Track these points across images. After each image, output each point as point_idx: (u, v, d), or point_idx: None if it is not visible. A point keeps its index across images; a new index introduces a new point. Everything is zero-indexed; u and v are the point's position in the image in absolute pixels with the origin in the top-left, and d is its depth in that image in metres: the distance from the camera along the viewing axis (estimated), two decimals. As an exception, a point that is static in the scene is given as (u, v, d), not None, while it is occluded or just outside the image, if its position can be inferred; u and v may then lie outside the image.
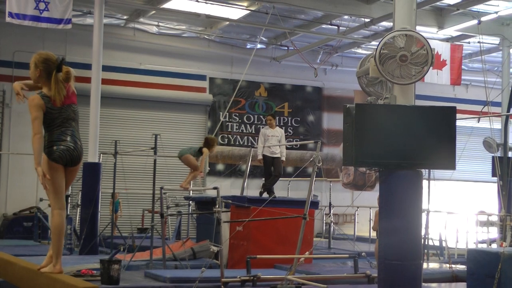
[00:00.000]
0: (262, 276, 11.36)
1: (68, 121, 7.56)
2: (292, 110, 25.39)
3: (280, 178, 16.67)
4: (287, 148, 17.06)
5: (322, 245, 18.56)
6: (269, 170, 16.00)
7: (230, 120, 24.48)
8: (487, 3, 19.36)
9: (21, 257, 10.86)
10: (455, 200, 24.90)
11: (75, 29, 19.25)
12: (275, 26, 21.28)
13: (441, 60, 20.57)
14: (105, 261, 11.17)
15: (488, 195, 25.36)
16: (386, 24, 21.31)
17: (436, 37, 22.02)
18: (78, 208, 18.52)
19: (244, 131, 24.74)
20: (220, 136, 24.06)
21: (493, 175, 19.57)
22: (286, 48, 24.40)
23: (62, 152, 7.41)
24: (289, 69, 25.29)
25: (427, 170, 14.12)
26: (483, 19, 20.00)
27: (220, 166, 24.28)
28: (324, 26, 21.99)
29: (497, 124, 21.28)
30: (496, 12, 20.25)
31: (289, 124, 25.21)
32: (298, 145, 24.20)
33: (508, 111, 19.27)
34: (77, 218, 18.74)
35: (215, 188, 12.75)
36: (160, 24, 22.55)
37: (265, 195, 15.99)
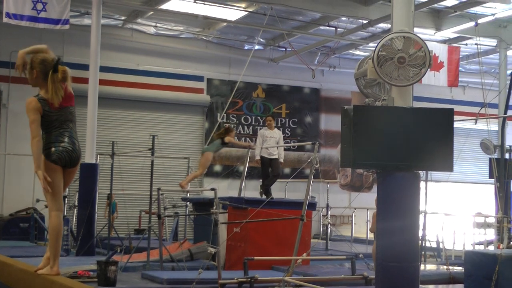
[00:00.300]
0: (259, 278, 11.33)
1: (66, 122, 7.54)
2: (289, 111, 25.40)
3: (277, 179, 16.63)
4: (284, 149, 17.00)
5: (320, 246, 18.57)
6: (267, 171, 15.94)
7: (228, 121, 24.47)
8: (484, 5, 19.38)
9: (17, 259, 10.86)
10: (452, 201, 24.91)
11: (73, 29, 19.24)
12: (273, 27, 21.28)
13: (439, 61, 20.58)
14: (102, 262, 11.15)
15: (485, 197, 25.39)
16: (383, 25, 21.34)
17: (434, 38, 22.03)
18: (75, 209, 18.50)
19: (242, 132, 24.73)
20: (218, 137, 24.04)
21: (490, 176, 19.57)
22: (284, 49, 24.41)
23: (61, 154, 7.40)
24: (286, 70, 25.30)
25: (424, 171, 14.10)
26: (480, 21, 20.05)
27: (217, 167, 24.28)
28: (321, 27, 22.02)
29: (494, 126, 21.27)
30: (493, 14, 20.30)
31: (287, 125, 25.22)
32: (296, 147, 24.17)
33: (506, 113, 19.28)
34: (74, 219, 18.72)
35: (212, 189, 12.74)
36: (158, 25, 22.58)
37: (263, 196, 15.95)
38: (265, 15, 20.01)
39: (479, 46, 19.93)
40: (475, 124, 16.99)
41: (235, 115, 24.66)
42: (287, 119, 25.38)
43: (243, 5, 20.25)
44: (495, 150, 19.49)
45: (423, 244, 15.30)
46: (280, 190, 20.54)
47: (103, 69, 18.85)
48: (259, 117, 24.92)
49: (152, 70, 23.45)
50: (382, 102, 8.74)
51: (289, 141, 24.25)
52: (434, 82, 21.07)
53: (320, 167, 13.47)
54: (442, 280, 13.45)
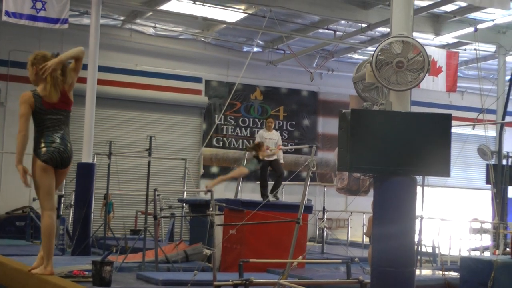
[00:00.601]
0: (254, 280, 11.25)
1: (59, 124, 7.55)
2: (287, 114, 25.39)
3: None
4: (282, 152, 16.97)
5: (315, 249, 18.52)
6: (265, 173, 15.86)
7: (225, 123, 24.46)
8: (483, 11, 19.35)
9: (12, 257, 10.84)
10: (448, 207, 24.91)
11: (72, 29, 19.19)
12: (272, 29, 21.28)
13: (437, 66, 20.57)
14: (97, 262, 11.14)
15: (481, 203, 25.38)
16: (382, 29, 21.33)
17: (433, 43, 22.03)
18: (71, 209, 18.47)
19: (239, 134, 24.71)
20: (215, 138, 24.06)
21: (487, 182, 19.59)
22: (283, 52, 24.39)
23: (52, 154, 7.40)
24: (285, 73, 25.28)
25: (421, 176, 14.08)
26: (479, 26, 20.05)
27: (214, 169, 24.25)
28: (320, 30, 22.01)
29: (492, 132, 21.28)
30: (493, 20, 20.27)
31: (284, 128, 25.19)
32: (293, 149, 24.15)
33: (504, 118, 19.29)
34: (70, 219, 18.69)
35: (209, 191, 12.71)
36: (157, 25, 22.54)
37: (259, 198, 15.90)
38: (264, 18, 20.00)
39: (478, 51, 19.96)
40: (473, 129, 16.97)
41: (232, 117, 24.64)
42: (284, 122, 25.36)
43: (242, 7, 20.25)
44: (492, 156, 19.50)
45: (419, 249, 15.29)
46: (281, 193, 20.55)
47: (101, 69, 18.82)
48: (256, 119, 24.90)
49: (151, 70, 23.41)
50: (380, 106, 8.74)
51: (286, 143, 24.20)
52: (433, 87, 21.06)
53: (317, 170, 13.41)
54: (438, 286, 13.43)
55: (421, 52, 8.46)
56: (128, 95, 22.87)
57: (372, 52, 8.66)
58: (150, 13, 20.95)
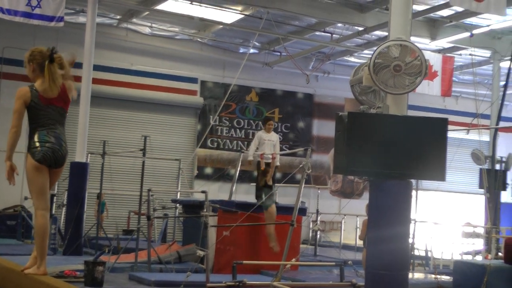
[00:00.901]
0: (248, 282, 11.27)
1: (54, 123, 7.51)
2: (282, 116, 25.38)
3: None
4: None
5: (308, 252, 18.53)
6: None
7: (220, 124, 24.44)
8: (479, 16, 19.35)
9: (4, 256, 10.82)
10: (441, 211, 24.93)
11: (67, 27, 19.16)
12: (269, 31, 21.26)
13: (433, 71, 20.58)
14: (89, 262, 11.11)
15: (474, 207, 25.41)
16: (379, 33, 21.33)
17: (428, 48, 22.02)
18: (64, 208, 18.40)
19: (234, 135, 24.69)
20: (210, 139, 24.03)
21: (480, 187, 19.63)
22: (279, 53, 24.37)
23: (47, 153, 7.37)
24: (281, 75, 25.27)
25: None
26: (475, 31, 20.06)
27: (208, 170, 24.22)
28: (317, 33, 21.98)
29: (486, 137, 21.29)
30: (488, 25, 20.29)
31: (279, 130, 25.15)
32: (285, 153, 24.12)
33: (498, 124, 19.31)
34: (62, 218, 18.62)
35: (203, 191, 12.69)
36: (153, 25, 22.49)
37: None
38: (261, 19, 19.98)
39: (473, 57, 19.98)
40: (467, 134, 16.99)
41: (227, 118, 24.62)
42: (279, 124, 25.33)
43: (239, 8, 20.22)
44: (486, 161, 19.54)
45: (412, 253, 15.29)
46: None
47: (96, 68, 18.78)
48: (251, 121, 24.89)
49: (146, 70, 23.38)
50: (377, 109, 8.73)
51: (281, 145, 24.14)
52: (428, 91, 21.07)
53: (311, 172, 13.40)
54: (430, 289, 13.46)
55: (419, 56, 8.46)
56: (123, 94, 22.83)
57: (369, 56, 8.66)
58: (147, 12, 20.91)
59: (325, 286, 12.32)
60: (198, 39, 23.74)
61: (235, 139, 24.70)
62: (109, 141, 17.44)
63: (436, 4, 18.78)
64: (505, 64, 22.41)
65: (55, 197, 17.53)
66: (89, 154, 17.65)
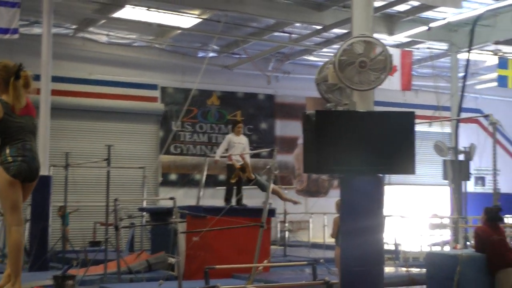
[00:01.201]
0: (221, 286, 11.20)
1: (28, 134, 7.38)
2: (244, 118, 25.27)
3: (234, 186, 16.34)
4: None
5: (277, 252, 18.49)
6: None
7: (183, 129, 24.32)
8: (436, 9, 19.50)
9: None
10: (407, 204, 25.07)
11: (22, 39, 18.80)
12: (227, 34, 21.25)
13: (392, 66, 20.67)
14: (58, 277, 10.98)
15: (439, 198, 25.59)
16: (337, 31, 21.40)
17: (387, 43, 22.01)
18: (28, 223, 18.12)
19: (197, 140, 24.60)
20: (173, 145, 23.89)
21: (444, 178, 19.76)
22: (238, 56, 24.34)
23: (20, 168, 7.23)
24: (241, 77, 25.23)
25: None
26: (432, 25, 20.19)
27: (173, 176, 24.09)
28: (276, 33, 21.99)
29: (447, 128, 21.45)
30: (445, 19, 20.44)
31: (242, 132, 25.03)
32: (252, 153, 24.06)
33: (459, 115, 19.46)
34: (27, 233, 18.32)
35: (171, 198, 12.58)
36: (110, 33, 22.29)
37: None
38: (219, 22, 19.93)
39: (431, 50, 20.12)
40: (430, 126, 17.09)
41: (190, 123, 24.52)
42: (242, 127, 25.22)
43: (197, 12, 20.13)
44: (448, 152, 19.69)
45: (382, 247, 15.33)
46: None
47: (54, 79, 18.46)
48: (214, 125, 24.84)
49: (105, 79, 23.18)
50: (344, 106, 8.73)
51: (244, 147, 24.14)
52: (388, 86, 21.09)
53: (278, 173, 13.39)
54: (402, 282, 13.54)
55: (383, 51, 8.47)
56: (83, 104, 22.61)
57: (328, 54, 8.69)
58: (103, 20, 20.73)
59: (298, 286, 12.27)
60: (156, 45, 23.62)
61: (198, 143, 24.61)
62: (72, 152, 17.27)
63: (393, -1, 18.90)
64: (462, 56, 22.64)
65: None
66: (52, 167, 17.40)
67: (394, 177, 16.25)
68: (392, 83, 21.15)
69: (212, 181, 22.28)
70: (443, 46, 23.22)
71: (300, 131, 25.69)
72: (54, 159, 18.12)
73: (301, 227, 24.50)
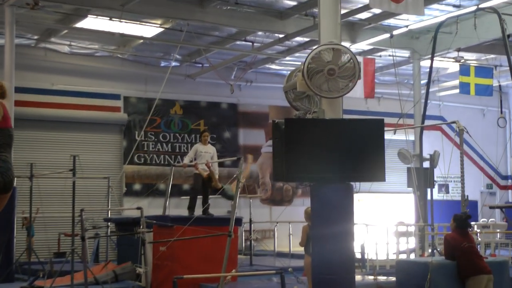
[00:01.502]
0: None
1: (3, 146, 7.26)
2: (208, 127, 25.17)
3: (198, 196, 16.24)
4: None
5: (243, 262, 18.46)
6: (197, 188, 15.48)
7: (146, 139, 24.18)
8: (397, 17, 19.63)
9: None
10: (372, 212, 25.18)
11: (-18, 50, 18.69)
12: (190, 43, 21.18)
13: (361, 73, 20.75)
14: (26, 288, 10.87)
15: (404, 206, 25.75)
16: (300, 39, 21.47)
17: (349, 51, 22.20)
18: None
19: (161, 149, 24.48)
20: (136, 155, 23.75)
21: (409, 185, 19.83)
22: (201, 65, 24.31)
23: None
24: (203, 86, 25.19)
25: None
26: (394, 32, 20.30)
27: (137, 186, 23.95)
28: (238, 42, 21.99)
29: (410, 136, 21.58)
30: (407, 26, 20.58)
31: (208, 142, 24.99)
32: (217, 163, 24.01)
33: (423, 122, 19.57)
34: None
35: (139, 208, 12.54)
36: (72, 43, 22.13)
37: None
38: (181, 31, 19.86)
39: (394, 57, 20.23)
40: (394, 134, 17.16)
41: (153, 133, 24.40)
42: (209, 136, 25.14)
43: (159, 22, 20.08)
44: (412, 160, 19.76)
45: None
46: (200, 207, 20.38)
47: (16, 89, 18.38)
48: (177, 134, 24.75)
49: (67, 89, 22.99)
50: (313, 114, 8.74)
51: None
52: (351, 93, 20.90)
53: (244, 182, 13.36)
54: (371, 290, 13.55)
55: (351, 58, 8.50)
56: (46, 115, 22.39)
57: (291, 62, 8.71)
58: (65, 31, 20.59)
59: (267, 295, 12.27)
60: (119, 55, 23.52)
61: (162, 153, 24.51)
62: (36, 163, 17.07)
63: (355, 7, 18.97)
64: (424, 63, 22.82)
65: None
66: (16, 178, 17.19)
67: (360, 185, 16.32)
68: (355, 91, 20.95)
69: (176, 191, 22.20)
70: (405, 53, 23.40)
71: (263, 139, 26.09)
72: (18, 170, 17.88)
73: (266, 236, 24.50)
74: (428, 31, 21.01)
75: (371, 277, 14.38)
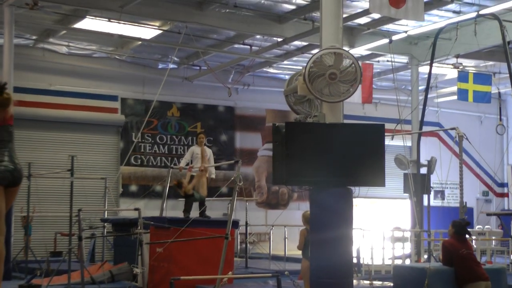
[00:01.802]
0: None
1: (4, 142, 7.34)
2: (204, 130, 25.18)
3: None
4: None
5: (238, 264, 18.46)
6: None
7: (143, 140, 24.19)
8: (396, 22, 19.67)
9: None
10: (368, 216, 25.20)
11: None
12: (188, 45, 21.18)
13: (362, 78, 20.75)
14: (24, 286, 10.89)
15: (400, 211, 25.78)
16: (298, 43, 21.50)
17: (347, 56, 22.21)
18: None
19: (157, 151, 24.50)
20: (133, 157, 23.74)
21: (405, 191, 19.84)
22: (198, 68, 24.32)
23: (3, 173, 7.19)
24: (201, 89, 25.20)
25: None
26: (393, 38, 20.33)
27: (133, 187, 23.95)
28: (236, 45, 22.00)
29: (408, 142, 21.60)
30: (406, 32, 20.61)
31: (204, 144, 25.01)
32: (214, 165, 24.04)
33: (421, 128, 19.58)
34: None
35: (136, 209, 12.54)
36: (70, 44, 22.14)
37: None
38: (179, 34, 19.87)
39: (393, 63, 20.24)
40: (392, 140, 17.15)
41: (150, 135, 24.41)
42: (205, 139, 25.16)
43: (157, 23, 20.10)
44: (409, 165, 19.77)
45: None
46: (196, 209, 20.39)
47: (14, 89, 18.33)
48: (174, 136, 24.76)
49: (65, 90, 23.00)
50: (313, 118, 8.75)
51: (205, 159, 24.07)
52: (349, 98, 21.17)
53: (242, 185, 13.35)
54: (366, 295, 13.57)
55: (353, 63, 8.52)
56: (44, 115, 22.39)
57: (289, 66, 8.73)
58: (64, 31, 20.59)
59: (263, 298, 12.28)
60: (117, 57, 23.53)
61: (158, 155, 24.51)
62: (33, 163, 17.08)
63: (354, 12, 19.00)
64: (422, 69, 22.85)
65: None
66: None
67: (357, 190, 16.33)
68: (353, 96, 20.97)
69: (173, 193, 22.12)
70: (403, 59, 23.42)
71: (259, 143, 26.10)
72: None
73: (261, 239, 24.51)
74: (427, 37, 21.03)
75: (367, 282, 14.37)
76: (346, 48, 21.00)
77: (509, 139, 27.84)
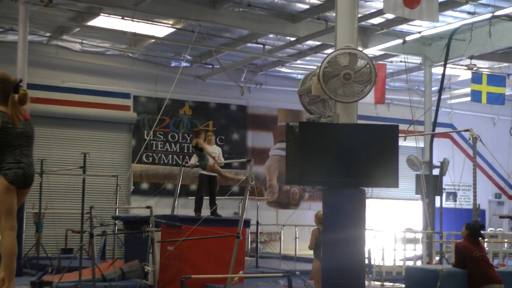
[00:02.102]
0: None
1: (28, 139, 7.42)
2: (216, 129, 25.21)
3: (205, 197, 16.17)
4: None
5: (249, 263, 18.44)
6: (202, 189, 15.43)
7: (155, 138, 24.21)
8: (410, 23, 19.62)
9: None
10: (379, 217, 25.13)
11: (-4, 46, 18.75)
12: (201, 44, 21.19)
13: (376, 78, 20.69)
14: (36, 282, 10.90)
15: (411, 213, 25.71)
16: (311, 43, 21.46)
17: (360, 56, 22.15)
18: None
19: (169, 149, 24.51)
20: (145, 154, 23.76)
21: (417, 192, 19.78)
22: (211, 66, 24.31)
23: (17, 174, 7.24)
24: (213, 88, 25.20)
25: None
26: (406, 38, 20.25)
27: (144, 185, 23.97)
28: (249, 44, 21.99)
29: (420, 143, 21.51)
30: (419, 32, 20.53)
31: (214, 143, 24.99)
32: (223, 164, 24.00)
33: (434, 130, 19.48)
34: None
35: (148, 207, 12.53)
36: (84, 41, 22.16)
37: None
38: (192, 32, 19.87)
39: (406, 63, 20.18)
40: (404, 140, 17.06)
41: (162, 133, 24.43)
42: (214, 136, 25.16)
43: (171, 22, 20.11)
44: (421, 167, 19.70)
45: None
46: (208, 208, 20.37)
47: (27, 86, 18.32)
48: (186, 134, 24.75)
49: (78, 87, 23.05)
50: (327, 118, 8.73)
51: (216, 158, 24.07)
52: (362, 99, 21.19)
53: (254, 184, 13.34)
54: (377, 296, 13.54)
55: (368, 63, 8.49)
56: (56, 112, 22.44)
57: (301, 66, 8.70)
58: (77, 29, 20.62)
59: (274, 298, 12.26)
60: (129, 54, 23.55)
61: (170, 153, 24.53)
62: (45, 159, 17.10)
63: (368, 12, 18.95)
64: (436, 70, 22.77)
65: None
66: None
67: (369, 190, 16.28)
68: (365, 96, 21.17)
69: (184, 191, 22.16)
70: (416, 59, 23.35)
71: (271, 142, 26.09)
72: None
73: (272, 239, 24.49)
74: (440, 37, 20.94)
75: (378, 283, 14.35)
76: (359, 48, 21.23)
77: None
